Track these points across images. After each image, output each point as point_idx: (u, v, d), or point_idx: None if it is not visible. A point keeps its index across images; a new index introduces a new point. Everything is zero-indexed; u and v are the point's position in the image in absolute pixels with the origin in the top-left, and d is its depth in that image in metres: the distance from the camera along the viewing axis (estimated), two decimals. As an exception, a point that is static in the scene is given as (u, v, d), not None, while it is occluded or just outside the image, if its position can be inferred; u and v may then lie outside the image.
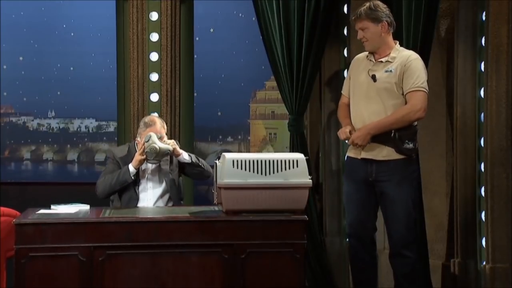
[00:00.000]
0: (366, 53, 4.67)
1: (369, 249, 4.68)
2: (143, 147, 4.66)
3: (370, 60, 4.62)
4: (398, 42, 4.66)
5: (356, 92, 4.65)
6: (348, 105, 4.72)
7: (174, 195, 4.83)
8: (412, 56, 4.57)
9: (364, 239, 4.65)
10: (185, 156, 4.80)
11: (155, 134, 4.69)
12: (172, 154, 4.76)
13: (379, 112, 4.51)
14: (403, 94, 4.52)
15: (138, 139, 4.82)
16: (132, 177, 4.70)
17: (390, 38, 4.61)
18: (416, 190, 4.73)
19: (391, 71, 4.54)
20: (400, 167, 4.52)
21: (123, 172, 4.72)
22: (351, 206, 4.66)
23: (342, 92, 4.82)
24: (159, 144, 4.65)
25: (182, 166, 4.87)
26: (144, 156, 4.66)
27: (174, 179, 4.84)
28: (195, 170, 4.85)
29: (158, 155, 4.65)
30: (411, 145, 4.51)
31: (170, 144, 4.72)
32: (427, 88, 4.51)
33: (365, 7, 4.56)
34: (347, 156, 4.70)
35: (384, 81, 4.53)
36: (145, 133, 4.76)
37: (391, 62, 4.55)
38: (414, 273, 4.62)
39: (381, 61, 4.57)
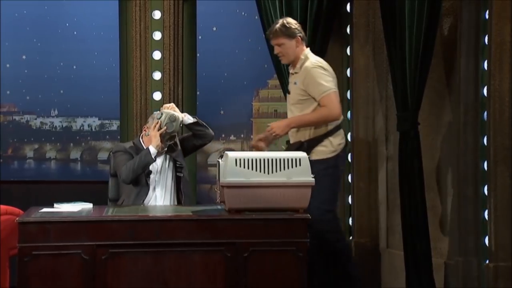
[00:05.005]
0: None
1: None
2: (159, 122, 4.65)
3: (290, 72, 4.93)
4: (304, 51, 4.84)
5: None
6: None
7: (185, 187, 4.82)
8: (308, 67, 4.77)
9: None
10: (189, 117, 4.83)
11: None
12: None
13: None
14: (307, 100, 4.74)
15: (145, 132, 4.82)
16: (154, 158, 4.65)
17: (300, 50, 4.81)
18: (331, 186, 4.78)
19: (295, 83, 4.81)
20: (313, 166, 4.50)
21: (144, 154, 4.64)
22: None
23: None
24: (177, 113, 4.71)
25: (186, 140, 4.89)
26: (163, 128, 4.65)
27: (183, 173, 4.83)
28: (200, 131, 4.85)
29: (176, 124, 4.68)
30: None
31: (170, 107, 4.76)
32: (333, 88, 4.72)
33: (279, 24, 4.79)
34: None
35: (293, 93, 4.83)
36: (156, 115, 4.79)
37: (297, 73, 4.80)
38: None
39: (292, 73, 4.85)
